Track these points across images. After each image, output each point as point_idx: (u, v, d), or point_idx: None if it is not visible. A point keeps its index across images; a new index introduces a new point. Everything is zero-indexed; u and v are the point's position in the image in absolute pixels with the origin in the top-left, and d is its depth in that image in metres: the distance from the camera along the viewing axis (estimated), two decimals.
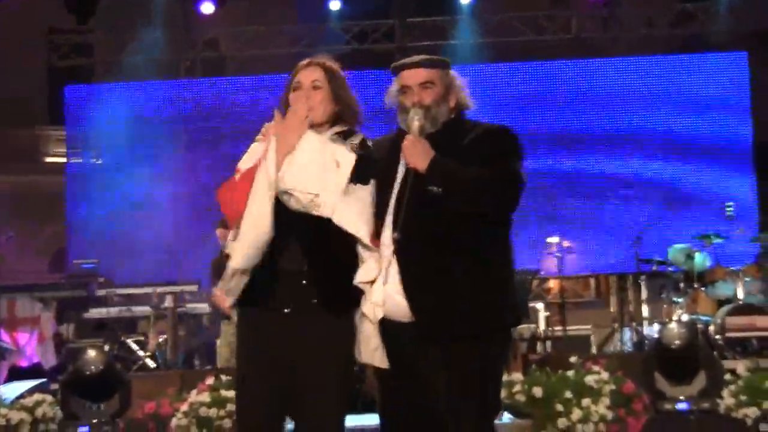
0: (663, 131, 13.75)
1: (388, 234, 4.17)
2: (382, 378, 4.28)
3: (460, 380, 4.10)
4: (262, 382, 4.10)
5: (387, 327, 4.17)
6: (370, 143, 4.35)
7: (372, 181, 4.24)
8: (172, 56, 15.63)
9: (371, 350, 4.16)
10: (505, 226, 4.31)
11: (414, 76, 4.33)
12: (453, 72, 4.42)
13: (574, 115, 13.93)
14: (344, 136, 4.28)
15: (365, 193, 4.20)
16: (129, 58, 14.52)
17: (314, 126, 4.23)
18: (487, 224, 4.20)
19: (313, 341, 4.08)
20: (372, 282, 4.16)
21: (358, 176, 4.18)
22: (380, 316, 4.15)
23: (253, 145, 4.33)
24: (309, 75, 4.28)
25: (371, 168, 4.25)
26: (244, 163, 4.23)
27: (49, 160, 17.91)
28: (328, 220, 4.05)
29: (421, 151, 4.12)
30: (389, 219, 4.19)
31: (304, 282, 4.10)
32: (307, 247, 4.13)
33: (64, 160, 15.17)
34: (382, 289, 4.15)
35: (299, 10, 15.62)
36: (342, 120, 4.32)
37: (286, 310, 4.09)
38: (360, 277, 4.15)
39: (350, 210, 4.11)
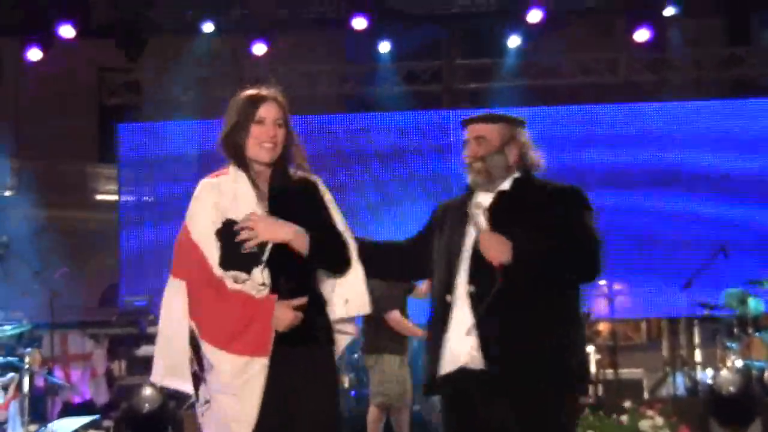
0: (714, 175, 13.67)
1: (462, 288, 4.25)
2: (449, 427, 4.32)
3: (527, 428, 4.13)
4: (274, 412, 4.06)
5: (451, 377, 4.25)
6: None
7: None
8: (221, 95, 15.76)
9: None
10: (577, 286, 4.41)
11: (470, 131, 4.45)
12: (520, 129, 4.48)
13: (622, 158, 13.89)
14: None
15: None
16: (178, 96, 14.64)
17: (270, 164, 4.23)
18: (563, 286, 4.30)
19: (311, 370, 4.12)
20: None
21: None
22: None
23: (202, 198, 4.24)
24: (271, 111, 4.21)
25: None
26: (198, 222, 4.18)
27: (99, 197, 18.06)
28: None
29: (498, 246, 4.14)
30: (463, 274, 4.25)
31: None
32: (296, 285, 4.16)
33: (114, 197, 15.28)
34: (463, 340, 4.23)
35: (348, 49, 15.70)
36: (287, 159, 4.28)
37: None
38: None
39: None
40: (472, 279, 4.21)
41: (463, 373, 4.21)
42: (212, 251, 4.10)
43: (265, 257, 4.08)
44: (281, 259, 4.09)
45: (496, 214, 4.22)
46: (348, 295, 4.29)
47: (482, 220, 4.19)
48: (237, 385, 3.96)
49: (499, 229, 4.15)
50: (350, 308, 4.31)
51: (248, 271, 4.07)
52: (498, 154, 4.36)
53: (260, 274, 4.06)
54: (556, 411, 4.19)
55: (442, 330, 4.28)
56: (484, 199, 4.36)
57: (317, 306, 4.20)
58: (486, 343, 4.14)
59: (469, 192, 4.46)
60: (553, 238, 4.18)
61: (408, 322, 9.21)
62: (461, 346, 4.21)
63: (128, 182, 14.55)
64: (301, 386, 4.08)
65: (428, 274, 4.68)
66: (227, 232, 4.11)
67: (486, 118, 4.45)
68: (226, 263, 4.09)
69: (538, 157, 4.46)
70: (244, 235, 4.06)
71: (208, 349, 4.01)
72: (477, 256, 4.20)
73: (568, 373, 4.22)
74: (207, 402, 4.06)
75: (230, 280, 4.07)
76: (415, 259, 4.65)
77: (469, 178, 4.38)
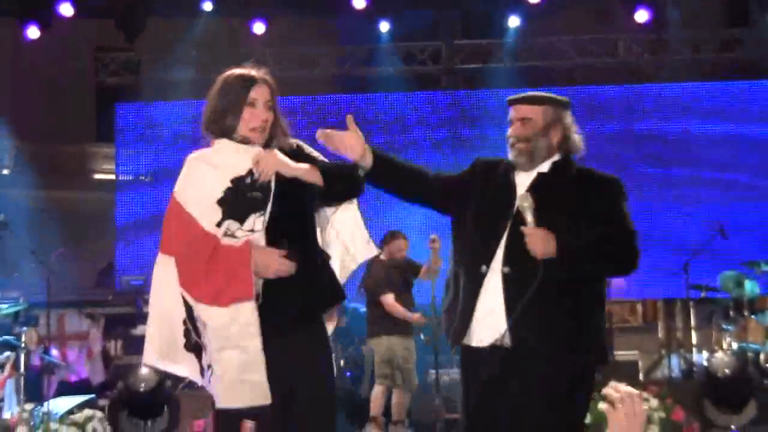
0: (712, 156, 13.69)
1: (497, 264, 4.30)
2: (467, 400, 4.42)
3: (541, 404, 4.22)
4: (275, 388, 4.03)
5: (480, 351, 4.33)
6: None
7: None
8: (219, 75, 15.68)
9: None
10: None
11: (516, 112, 4.48)
12: (565, 111, 4.51)
13: (619, 139, 13.89)
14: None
15: None
16: (176, 76, 14.58)
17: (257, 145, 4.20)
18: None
19: (302, 350, 4.12)
20: None
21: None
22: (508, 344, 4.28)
23: (196, 166, 4.22)
24: (263, 94, 4.18)
25: None
26: (191, 192, 4.14)
27: (97, 176, 18.05)
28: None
29: (544, 242, 4.18)
30: (501, 252, 4.30)
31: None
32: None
33: (111, 177, 15.30)
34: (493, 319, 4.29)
35: (347, 30, 15.65)
36: (272, 138, 4.25)
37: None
38: None
39: None
40: (509, 260, 4.27)
41: (490, 348, 4.29)
42: (208, 217, 4.06)
43: (269, 208, 4.06)
44: (283, 216, 4.09)
45: (535, 194, 4.28)
46: (364, 233, 4.42)
47: (530, 216, 4.22)
48: (235, 333, 3.93)
49: (541, 212, 4.21)
50: (371, 247, 4.48)
51: (242, 220, 4.06)
52: (542, 136, 4.42)
53: (253, 221, 4.06)
54: (578, 389, 4.31)
55: (473, 301, 4.34)
56: (524, 179, 4.42)
57: (323, 264, 4.25)
58: (516, 325, 4.20)
59: (511, 165, 4.49)
60: (596, 231, 4.25)
61: (400, 306, 9.22)
62: (490, 325, 4.28)
63: (125, 162, 14.58)
64: (299, 362, 4.10)
65: (430, 205, 4.74)
66: (232, 191, 4.09)
67: (533, 99, 4.48)
68: (226, 217, 4.06)
69: (579, 139, 4.52)
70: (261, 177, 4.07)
71: (201, 310, 3.99)
72: (516, 236, 4.25)
73: (591, 353, 4.33)
74: (209, 367, 4.02)
75: (221, 234, 4.04)
76: (429, 189, 4.65)
77: (511, 156, 4.45)
